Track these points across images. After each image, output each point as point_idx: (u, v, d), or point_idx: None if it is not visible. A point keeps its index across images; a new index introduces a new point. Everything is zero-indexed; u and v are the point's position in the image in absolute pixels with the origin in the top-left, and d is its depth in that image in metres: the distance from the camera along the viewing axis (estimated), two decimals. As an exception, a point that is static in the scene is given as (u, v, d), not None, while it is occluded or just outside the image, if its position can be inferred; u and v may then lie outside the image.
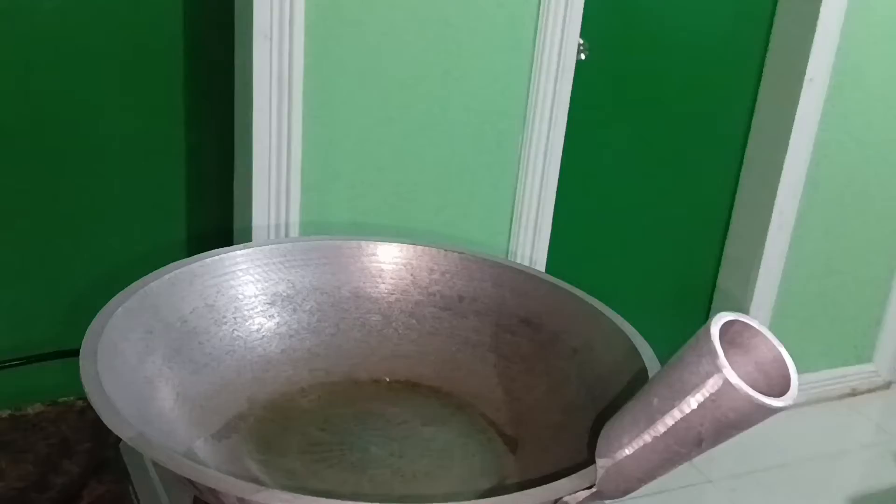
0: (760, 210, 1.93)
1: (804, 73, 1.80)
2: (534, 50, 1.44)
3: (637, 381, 0.63)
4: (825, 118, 1.86)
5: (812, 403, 2.14)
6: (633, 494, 0.53)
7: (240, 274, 0.76)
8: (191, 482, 0.51)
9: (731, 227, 2.02)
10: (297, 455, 0.67)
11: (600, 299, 0.73)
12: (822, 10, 1.75)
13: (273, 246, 0.78)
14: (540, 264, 1.59)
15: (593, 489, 0.53)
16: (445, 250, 0.80)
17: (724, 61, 1.85)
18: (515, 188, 1.52)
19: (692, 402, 0.47)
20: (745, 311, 1.97)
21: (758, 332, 0.50)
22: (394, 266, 0.80)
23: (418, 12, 1.34)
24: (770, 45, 1.87)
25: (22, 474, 0.73)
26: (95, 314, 0.64)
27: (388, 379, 0.78)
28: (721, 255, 2.05)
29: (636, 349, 0.66)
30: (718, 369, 0.46)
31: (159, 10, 1.27)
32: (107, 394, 0.56)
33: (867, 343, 2.23)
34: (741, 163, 1.97)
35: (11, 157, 1.24)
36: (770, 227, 1.92)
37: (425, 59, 1.37)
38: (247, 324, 0.75)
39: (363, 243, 0.81)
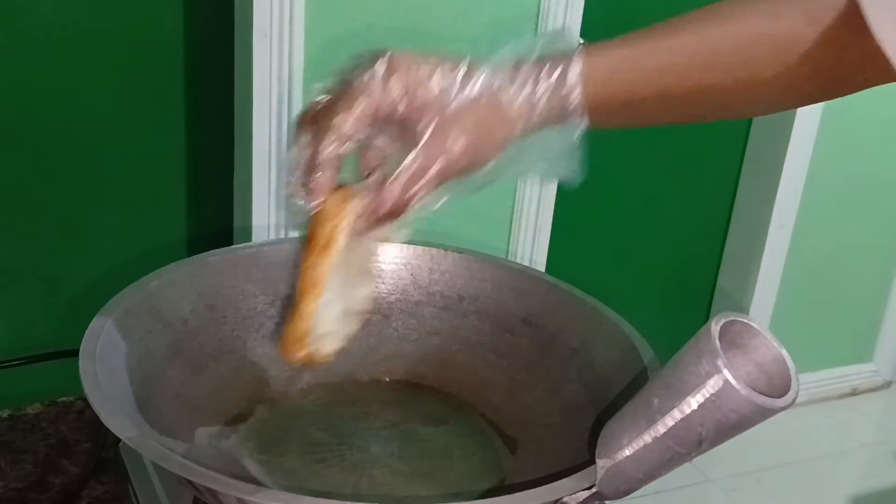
0: (760, 210, 1.93)
1: (804, 73, 1.80)
2: (534, 50, 1.44)
3: (637, 381, 0.63)
4: (825, 118, 1.86)
5: (812, 403, 2.14)
6: (633, 494, 0.53)
7: (240, 274, 0.76)
8: (190, 482, 0.51)
9: (731, 226, 2.02)
10: (297, 455, 0.67)
11: (600, 299, 0.73)
12: (823, 9, 1.75)
13: (273, 246, 0.78)
14: (540, 264, 1.59)
15: (593, 489, 0.53)
16: (445, 250, 0.80)
17: (724, 61, 1.85)
18: (516, 188, 1.52)
19: (692, 402, 0.47)
20: (745, 311, 1.97)
21: (758, 332, 0.50)
22: (394, 266, 0.80)
23: (418, 13, 1.33)
24: (770, 44, 1.87)
25: (21, 474, 0.73)
26: (95, 314, 0.64)
27: (388, 379, 0.78)
28: (721, 255, 2.05)
29: (636, 349, 0.66)
30: (719, 370, 0.46)
31: (159, 10, 1.27)
32: (106, 394, 0.56)
33: (867, 343, 2.23)
34: (741, 163, 1.96)
35: (11, 157, 1.24)
36: (770, 227, 1.92)
37: (425, 58, 1.37)
38: (247, 323, 0.75)
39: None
